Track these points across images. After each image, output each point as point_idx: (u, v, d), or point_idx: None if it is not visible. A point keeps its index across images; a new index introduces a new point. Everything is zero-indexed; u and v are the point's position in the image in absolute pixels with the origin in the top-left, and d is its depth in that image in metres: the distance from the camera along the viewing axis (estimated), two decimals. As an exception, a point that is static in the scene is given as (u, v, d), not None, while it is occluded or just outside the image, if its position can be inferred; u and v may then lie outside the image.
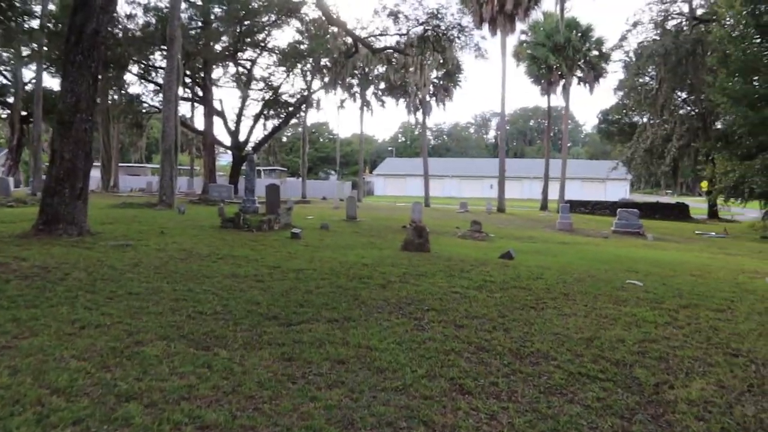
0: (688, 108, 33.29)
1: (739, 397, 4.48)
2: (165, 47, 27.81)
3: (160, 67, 36.65)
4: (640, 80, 39.48)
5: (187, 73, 37.45)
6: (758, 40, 21.15)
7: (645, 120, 36.78)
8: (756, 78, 21.85)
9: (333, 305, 6.69)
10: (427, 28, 29.32)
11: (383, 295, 7.46)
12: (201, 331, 5.28)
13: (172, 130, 23.42)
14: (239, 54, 37.50)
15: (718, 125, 30.63)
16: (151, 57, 37.33)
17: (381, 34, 31.44)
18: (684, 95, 34.26)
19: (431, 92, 39.92)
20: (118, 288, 7.10)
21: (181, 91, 36.91)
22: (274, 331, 5.45)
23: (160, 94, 31.47)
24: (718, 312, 7.68)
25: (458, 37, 29.96)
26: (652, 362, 5.20)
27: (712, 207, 39.21)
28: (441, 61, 30.97)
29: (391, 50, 31.07)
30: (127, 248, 10.61)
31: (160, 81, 34.31)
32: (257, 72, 40.86)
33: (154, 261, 9.28)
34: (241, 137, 41.21)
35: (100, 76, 13.19)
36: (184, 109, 45.63)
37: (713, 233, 26.46)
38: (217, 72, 40.85)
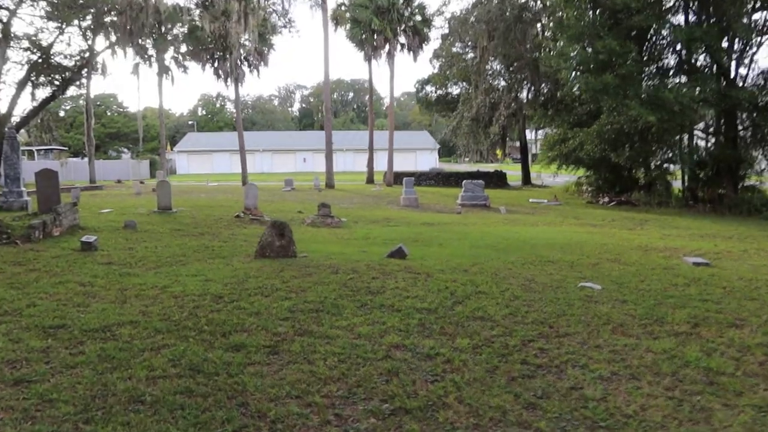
0: (517, 76, 33.45)
1: None
2: None
3: None
4: (458, 49, 39.06)
5: None
6: (593, 8, 20.81)
7: (469, 90, 36.39)
8: (587, 44, 21.62)
9: (203, 444, 3.04)
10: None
11: (287, 380, 3.95)
12: None
13: None
14: (-12, 1, 28.92)
15: (550, 93, 30.99)
16: None
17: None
18: (502, 64, 34.33)
19: (243, 56, 35.11)
20: None
21: None
22: None
23: None
24: (737, 329, 5.58)
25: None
26: None
27: (526, 174, 40.67)
28: (271, 10, 26.68)
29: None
30: None
31: None
32: (19, 27, 32.37)
33: None
34: (1, 110, 32.55)
35: None
36: None
37: (546, 200, 26.51)
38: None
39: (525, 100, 33.81)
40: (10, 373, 3.94)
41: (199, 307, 5.77)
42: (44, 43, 32.51)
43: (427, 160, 73.82)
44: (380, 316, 5.55)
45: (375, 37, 33.20)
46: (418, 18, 33.97)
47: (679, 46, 22.08)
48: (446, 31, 37.01)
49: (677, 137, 22.15)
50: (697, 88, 19.23)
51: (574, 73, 21.15)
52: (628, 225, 16.72)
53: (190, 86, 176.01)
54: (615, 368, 4.38)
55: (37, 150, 57.04)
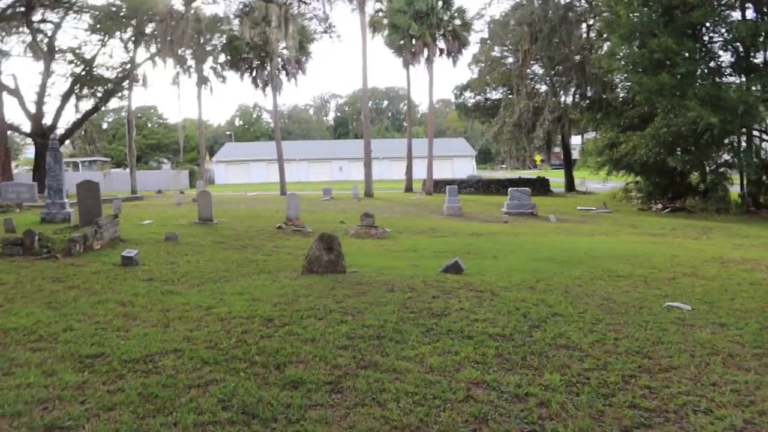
0: (561, 79, 32.37)
1: None
2: None
3: None
4: (497, 53, 38.19)
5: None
6: (644, 5, 19.72)
7: (510, 95, 35.37)
8: (640, 43, 20.54)
9: None
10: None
11: (357, 428, 3.35)
12: None
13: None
14: (33, 15, 29.54)
15: (595, 94, 29.78)
16: None
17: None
18: (546, 67, 33.28)
19: (281, 65, 35.01)
20: None
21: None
22: None
23: None
24: None
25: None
26: None
27: (570, 180, 39.39)
28: (310, 16, 26.44)
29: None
30: None
31: None
32: (63, 40, 33.06)
33: None
34: (47, 122, 33.18)
35: None
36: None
37: (595, 208, 25.41)
38: (6, 40, 32.28)
39: (570, 104, 32.64)
40: (41, 417, 3.43)
41: (247, 332, 5.22)
42: (87, 56, 33.15)
43: (465, 168, 72.67)
44: (450, 344, 4.91)
45: (413, 42, 32.63)
46: (458, 22, 33.26)
47: (737, 43, 20.84)
48: (486, 34, 36.19)
49: (735, 139, 20.87)
50: (758, 86, 18.05)
51: (625, 74, 20.12)
52: (692, 234, 15.68)
53: (227, 97, 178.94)
54: (746, 414, 3.64)
55: (82, 161, 58.38)
